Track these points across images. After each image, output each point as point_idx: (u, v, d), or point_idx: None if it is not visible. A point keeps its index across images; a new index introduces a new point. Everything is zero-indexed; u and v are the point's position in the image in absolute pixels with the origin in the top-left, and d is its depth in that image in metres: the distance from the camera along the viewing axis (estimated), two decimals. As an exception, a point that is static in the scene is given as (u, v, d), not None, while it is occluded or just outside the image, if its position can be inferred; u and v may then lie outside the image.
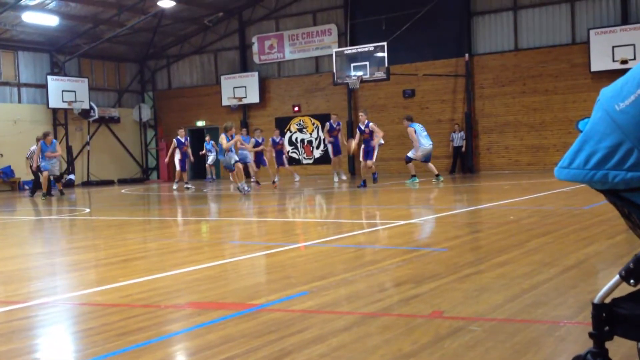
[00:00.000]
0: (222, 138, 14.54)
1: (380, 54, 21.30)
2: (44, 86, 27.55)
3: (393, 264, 4.94)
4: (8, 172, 26.61)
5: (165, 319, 3.59)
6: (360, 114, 16.15)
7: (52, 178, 18.54)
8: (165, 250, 6.46)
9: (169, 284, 4.59)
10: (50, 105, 27.49)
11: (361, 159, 15.35)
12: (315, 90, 26.21)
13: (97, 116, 28.37)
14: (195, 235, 8.03)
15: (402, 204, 10.96)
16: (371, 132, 15.06)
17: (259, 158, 19.20)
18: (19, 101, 27.40)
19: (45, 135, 18.65)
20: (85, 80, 28.31)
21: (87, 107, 27.96)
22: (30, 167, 19.85)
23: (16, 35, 26.24)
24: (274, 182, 17.48)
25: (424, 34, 23.17)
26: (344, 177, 19.72)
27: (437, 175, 15.58)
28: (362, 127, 15.33)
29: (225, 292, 4.15)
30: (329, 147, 20.04)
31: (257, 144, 19.00)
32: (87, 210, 12.77)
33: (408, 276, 4.37)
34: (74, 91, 27.67)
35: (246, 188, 14.26)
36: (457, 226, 7.53)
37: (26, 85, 27.70)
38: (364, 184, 14.85)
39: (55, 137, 26.49)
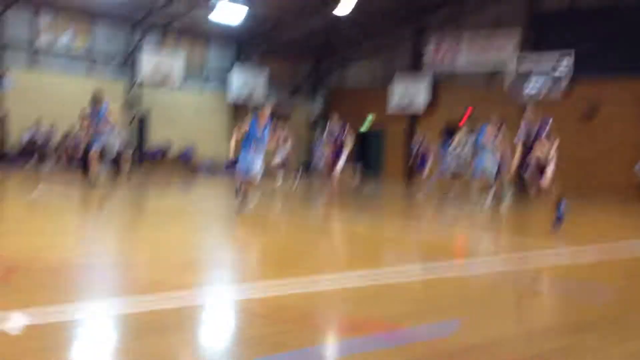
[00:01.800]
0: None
1: (563, 66, 20.14)
2: (227, 78, 29.32)
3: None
4: (188, 155, 28.67)
5: (313, 333, 3.69)
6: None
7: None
8: (328, 254, 6.64)
9: (325, 293, 4.73)
10: (230, 98, 29.23)
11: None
12: (488, 99, 25.56)
13: (273, 110, 29.73)
14: (356, 243, 8.14)
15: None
16: None
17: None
18: (204, 89, 29.40)
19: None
20: (264, 75, 29.75)
21: (263, 101, 29.43)
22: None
23: (205, 29, 28.07)
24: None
25: (618, 43, 21.45)
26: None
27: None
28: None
29: (377, 310, 4.18)
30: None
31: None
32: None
33: (563, 321, 4.16)
34: (253, 85, 29.18)
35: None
36: None
37: (211, 75, 29.61)
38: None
39: (233, 128, 28.10)
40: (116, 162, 12.55)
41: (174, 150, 28.44)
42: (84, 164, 12.87)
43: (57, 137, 24.08)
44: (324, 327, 3.89)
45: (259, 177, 9.58)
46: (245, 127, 9.51)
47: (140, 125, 26.80)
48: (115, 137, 12.38)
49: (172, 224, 8.62)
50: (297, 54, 31.27)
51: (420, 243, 8.25)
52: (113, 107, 12.30)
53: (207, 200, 14.09)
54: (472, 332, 3.85)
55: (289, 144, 18.59)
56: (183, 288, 4.62)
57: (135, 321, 3.71)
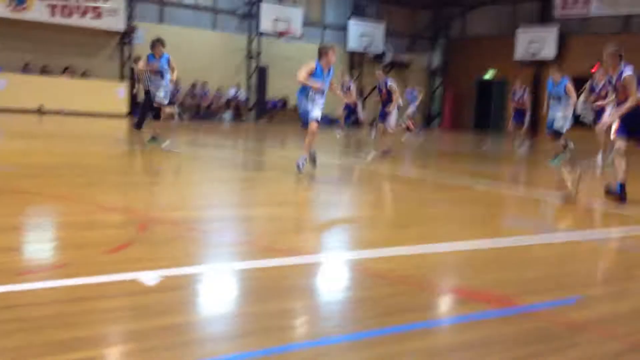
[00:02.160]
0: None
1: None
2: (344, 28, 29.17)
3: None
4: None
5: (431, 302, 3.72)
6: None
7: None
8: (444, 217, 6.59)
9: (439, 259, 4.72)
10: (349, 48, 29.09)
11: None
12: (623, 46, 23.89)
13: (389, 60, 29.34)
14: (476, 203, 8.02)
15: None
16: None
17: None
18: (322, 41, 29.43)
19: None
20: (382, 24, 29.30)
21: (381, 51, 29.07)
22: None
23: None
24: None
25: None
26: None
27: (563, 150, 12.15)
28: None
29: (493, 281, 4.14)
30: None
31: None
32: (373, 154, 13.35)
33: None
34: (371, 35, 28.84)
35: None
36: None
37: (329, 26, 29.56)
38: None
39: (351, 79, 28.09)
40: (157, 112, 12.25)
41: (293, 100, 28.83)
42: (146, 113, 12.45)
43: (184, 89, 25.13)
44: (443, 292, 3.91)
45: (316, 123, 8.58)
46: (312, 66, 8.56)
47: (261, 77, 27.34)
48: (166, 88, 11.87)
49: (286, 180, 8.81)
50: (417, 2, 30.50)
51: (543, 206, 7.97)
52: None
53: (325, 154, 14.24)
54: (595, 305, 3.73)
55: (353, 94, 17.93)
56: (301, 248, 4.75)
57: (257, 281, 3.88)
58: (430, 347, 2.94)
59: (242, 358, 2.68)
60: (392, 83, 13.05)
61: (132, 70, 13.01)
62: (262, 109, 27.53)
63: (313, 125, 8.57)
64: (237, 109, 26.95)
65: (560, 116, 12.02)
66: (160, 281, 3.59)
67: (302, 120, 8.79)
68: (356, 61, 29.62)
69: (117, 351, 2.75)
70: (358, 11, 29.50)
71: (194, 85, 25.60)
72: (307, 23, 27.82)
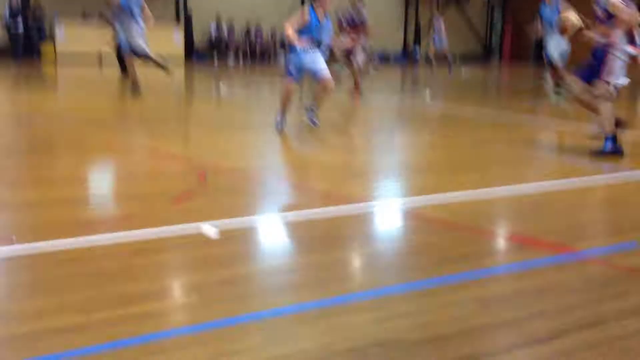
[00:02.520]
0: None
1: None
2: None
3: None
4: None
5: (485, 249, 3.73)
6: None
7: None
8: (499, 159, 6.52)
9: (494, 205, 4.70)
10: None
11: None
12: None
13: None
14: (533, 144, 7.86)
15: None
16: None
17: None
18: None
19: None
20: (439, -44, 28.27)
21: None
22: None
23: None
24: None
25: None
26: None
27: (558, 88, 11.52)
28: None
29: (548, 226, 4.11)
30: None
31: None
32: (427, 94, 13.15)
33: None
34: (427, -33, 27.90)
35: None
36: None
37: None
38: None
39: (406, 18, 27.55)
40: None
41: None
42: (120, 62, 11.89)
43: (238, 33, 25.07)
44: (497, 239, 3.91)
45: (326, 75, 7.50)
46: (306, 16, 7.24)
47: None
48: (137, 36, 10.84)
49: (331, 124, 8.78)
50: None
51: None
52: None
53: (379, 97, 14.08)
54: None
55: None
56: (356, 196, 4.80)
57: (313, 231, 3.95)
58: (485, 296, 2.97)
59: (301, 309, 2.77)
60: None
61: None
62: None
63: (329, 83, 7.51)
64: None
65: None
66: (219, 233, 3.70)
67: (294, 75, 7.48)
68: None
69: (180, 303, 2.89)
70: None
71: (248, 32, 25.41)
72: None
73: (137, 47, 10.88)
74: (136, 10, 10.84)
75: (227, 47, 24.69)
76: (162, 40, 23.82)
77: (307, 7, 7.34)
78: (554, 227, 4.06)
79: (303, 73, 7.54)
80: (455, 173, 5.68)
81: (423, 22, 27.91)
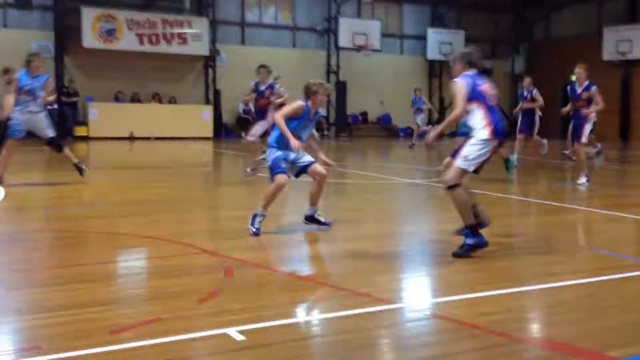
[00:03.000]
0: None
1: None
2: (423, 38, 28.97)
3: None
4: (387, 119, 28.96)
5: (517, 358, 3.62)
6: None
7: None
8: (532, 248, 6.40)
9: (525, 303, 4.59)
10: (428, 57, 28.86)
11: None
12: None
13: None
14: (570, 228, 7.73)
15: None
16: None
17: None
18: (401, 52, 29.33)
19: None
20: (462, 32, 28.89)
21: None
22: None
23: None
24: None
25: None
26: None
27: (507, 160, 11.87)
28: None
29: (581, 329, 3.99)
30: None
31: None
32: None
33: None
34: (451, 43, 28.47)
35: None
36: None
37: (408, 37, 29.42)
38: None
39: (430, 89, 27.90)
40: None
41: (373, 114, 28.86)
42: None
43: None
44: (531, 345, 3.80)
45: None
46: (300, 106, 6.59)
47: (340, 91, 27.46)
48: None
49: (366, 210, 8.73)
50: (497, 7, 29.89)
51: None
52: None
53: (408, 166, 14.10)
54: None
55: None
56: (385, 292, 4.71)
57: (340, 334, 3.87)
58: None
59: None
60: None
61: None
62: (342, 124, 27.65)
63: (324, 176, 6.76)
64: (319, 125, 27.18)
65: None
66: (247, 335, 3.66)
67: (275, 171, 6.57)
68: (436, 70, 29.32)
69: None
70: (437, 20, 29.21)
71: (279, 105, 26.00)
72: (385, 34, 27.80)
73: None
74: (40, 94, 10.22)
75: (253, 123, 25.18)
76: (193, 119, 24.47)
77: (302, 101, 6.64)
78: (592, 329, 3.93)
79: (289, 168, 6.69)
80: (487, 266, 5.57)
81: (445, 96, 28.24)
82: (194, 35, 24.59)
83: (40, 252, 6.09)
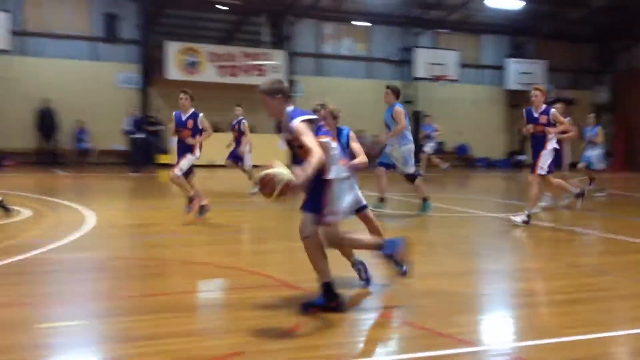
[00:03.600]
0: None
1: None
2: (502, 68, 28.61)
3: None
4: (464, 149, 28.63)
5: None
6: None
7: None
8: (610, 293, 6.15)
9: (615, 350, 4.40)
10: (507, 87, 28.47)
11: None
12: None
13: (552, 98, 28.30)
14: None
15: None
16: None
17: None
18: (479, 82, 29.03)
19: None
20: (543, 61, 28.40)
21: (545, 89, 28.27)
22: None
23: (480, 19, 27.69)
24: None
25: None
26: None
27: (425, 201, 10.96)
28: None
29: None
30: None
31: None
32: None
33: None
34: (531, 72, 28.02)
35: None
36: None
37: (486, 67, 29.13)
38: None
39: (509, 119, 27.46)
40: None
41: (450, 144, 28.56)
42: None
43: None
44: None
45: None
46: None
47: (416, 122, 27.34)
48: None
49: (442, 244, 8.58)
50: (580, 37, 29.21)
51: None
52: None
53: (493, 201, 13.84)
54: None
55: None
56: (465, 337, 4.62)
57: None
58: None
59: None
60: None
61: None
62: (418, 155, 27.50)
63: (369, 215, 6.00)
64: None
65: None
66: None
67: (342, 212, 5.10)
68: (516, 100, 28.81)
69: None
70: (516, 50, 28.80)
71: (360, 136, 26.17)
72: (463, 64, 27.62)
73: None
74: None
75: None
76: (269, 148, 24.84)
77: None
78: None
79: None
80: (567, 310, 5.38)
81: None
82: (272, 67, 25.13)
83: (126, 281, 6.29)
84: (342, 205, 5.02)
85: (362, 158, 6.20)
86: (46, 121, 22.85)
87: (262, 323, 4.72)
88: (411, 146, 11.02)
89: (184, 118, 9.79)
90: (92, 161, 22.62)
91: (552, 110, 9.69)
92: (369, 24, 27.40)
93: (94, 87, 23.64)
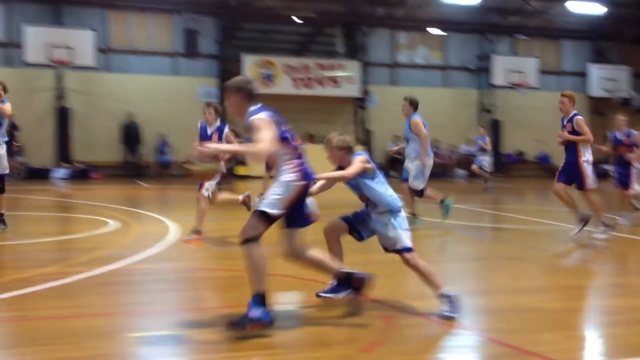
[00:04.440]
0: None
1: None
2: (584, 74, 27.75)
3: None
4: (545, 158, 27.88)
5: None
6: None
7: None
8: None
9: None
10: (590, 94, 27.59)
11: None
12: None
13: (638, 105, 27.26)
14: None
15: None
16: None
17: None
18: (560, 89, 28.22)
19: None
20: (627, 67, 27.41)
21: (627, 95, 27.15)
22: None
23: (560, 25, 26.97)
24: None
25: None
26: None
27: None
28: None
29: None
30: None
31: None
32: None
33: None
34: (615, 79, 27.09)
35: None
36: None
37: (567, 73, 28.32)
38: None
39: (593, 127, 26.50)
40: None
41: (530, 153, 27.90)
42: None
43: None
44: None
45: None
46: (368, 165, 5.69)
47: (495, 131, 26.85)
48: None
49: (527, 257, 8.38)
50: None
51: None
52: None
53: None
54: None
55: None
56: (564, 353, 4.51)
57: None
58: None
59: None
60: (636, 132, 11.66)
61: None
62: (498, 164, 26.92)
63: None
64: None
65: None
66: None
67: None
68: (600, 107, 27.84)
69: None
70: (599, 55, 27.86)
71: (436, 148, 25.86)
72: (542, 71, 26.94)
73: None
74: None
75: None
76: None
77: (364, 154, 5.77)
78: None
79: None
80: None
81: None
82: (346, 78, 25.26)
83: (212, 292, 6.45)
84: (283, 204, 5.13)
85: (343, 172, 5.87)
86: (131, 135, 23.75)
87: (342, 337, 4.75)
88: (429, 161, 10.74)
89: (209, 131, 9.32)
90: (173, 173, 23.32)
91: (577, 117, 9.44)
92: (444, 33, 27.13)
93: (175, 101, 24.41)
